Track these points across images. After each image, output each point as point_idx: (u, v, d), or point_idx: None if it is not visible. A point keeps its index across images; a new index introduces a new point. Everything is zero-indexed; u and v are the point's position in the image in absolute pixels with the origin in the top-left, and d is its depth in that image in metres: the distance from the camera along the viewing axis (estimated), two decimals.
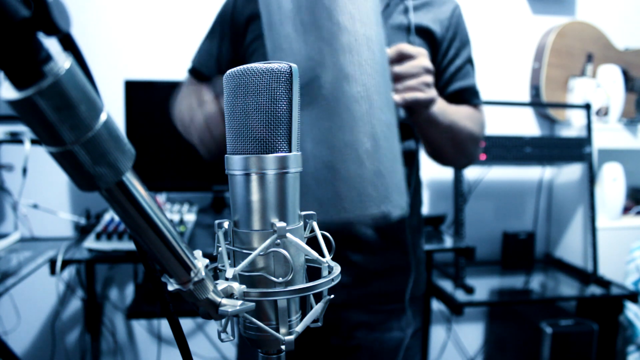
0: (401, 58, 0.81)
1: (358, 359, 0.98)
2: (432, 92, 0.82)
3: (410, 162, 0.96)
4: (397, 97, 0.79)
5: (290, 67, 0.38)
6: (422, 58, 0.81)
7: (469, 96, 1.01)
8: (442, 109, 0.88)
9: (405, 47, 0.81)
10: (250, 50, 0.95)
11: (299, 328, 0.41)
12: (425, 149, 1.01)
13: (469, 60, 1.01)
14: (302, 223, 0.41)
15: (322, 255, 0.41)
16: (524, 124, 2.24)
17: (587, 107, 1.96)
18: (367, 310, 0.97)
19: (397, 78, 0.80)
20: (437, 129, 0.90)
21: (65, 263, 1.38)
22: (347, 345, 0.98)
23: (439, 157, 1.02)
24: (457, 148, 0.97)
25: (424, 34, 0.94)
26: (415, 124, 0.90)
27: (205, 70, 1.02)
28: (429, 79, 0.81)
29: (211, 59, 1.01)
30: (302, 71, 0.70)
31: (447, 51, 0.98)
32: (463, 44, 1.00)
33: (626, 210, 2.16)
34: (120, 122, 1.72)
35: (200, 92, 0.95)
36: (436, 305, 2.11)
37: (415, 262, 0.98)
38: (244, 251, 0.39)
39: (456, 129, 0.92)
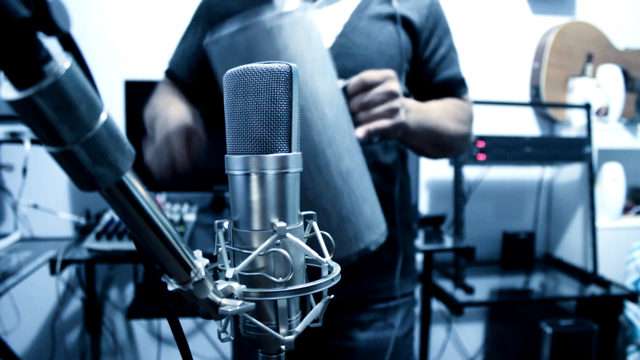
0: (365, 87, 0.77)
1: (351, 359, 0.98)
2: (399, 118, 0.78)
3: (390, 176, 0.96)
4: (360, 132, 0.76)
5: (290, 67, 0.38)
6: (388, 82, 0.77)
7: (455, 86, 0.99)
8: (422, 117, 0.86)
9: (369, 76, 0.77)
10: None
11: (299, 328, 0.41)
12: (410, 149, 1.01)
13: (452, 48, 1.00)
14: (302, 223, 0.41)
15: (322, 255, 0.41)
16: (524, 124, 2.24)
17: (587, 107, 1.96)
18: (359, 309, 0.97)
19: (362, 108, 0.77)
20: (418, 138, 0.87)
21: (65, 263, 1.38)
22: (340, 345, 0.98)
23: (423, 155, 1.01)
24: (441, 149, 0.96)
25: (403, 24, 0.93)
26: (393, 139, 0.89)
27: (178, 71, 1.01)
28: (396, 104, 0.77)
29: (183, 61, 1.01)
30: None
31: (429, 40, 0.96)
32: (445, 32, 0.98)
33: (626, 210, 2.16)
34: (120, 122, 1.72)
35: (169, 103, 0.94)
36: (436, 305, 2.11)
37: (402, 254, 0.98)
38: (244, 251, 0.39)
39: (438, 132, 0.90)
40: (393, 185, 0.96)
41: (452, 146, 0.97)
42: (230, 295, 0.37)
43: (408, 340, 1.02)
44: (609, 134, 2.02)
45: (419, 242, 1.76)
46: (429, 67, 0.97)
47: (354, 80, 0.78)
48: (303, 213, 0.42)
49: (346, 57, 0.88)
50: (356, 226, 0.76)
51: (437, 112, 0.91)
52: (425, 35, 0.95)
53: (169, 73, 1.03)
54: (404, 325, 1.01)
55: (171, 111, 0.90)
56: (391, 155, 0.96)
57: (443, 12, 0.99)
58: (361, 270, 0.96)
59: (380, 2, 0.92)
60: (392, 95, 0.77)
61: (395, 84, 0.78)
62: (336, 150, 0.73)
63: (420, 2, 0.95)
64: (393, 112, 0.77)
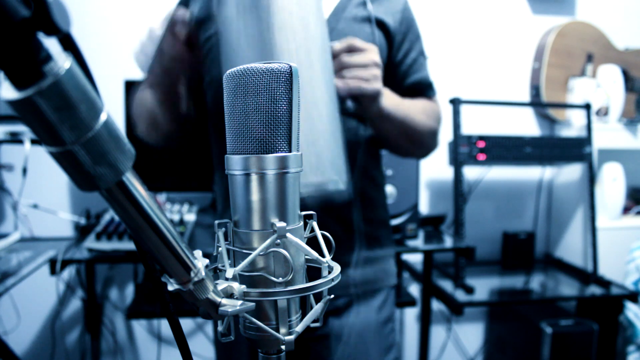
0: (351, 50, 0.82)
1: (326, 345, 0.98)
2: (378, 85, 0.82)
3: (367, 176, 0.98)
4: (340, 83, 0.80)
5: (290, 67, 0.38)
6: (372, 52, 0.82)
7: (425, 89, 1.04)
8: (395, 103, 0.90)
9: (356, 41, 0.82)
10: (204, 51, 0.95)
11: (299, 328, 0.41)
12: (381, 142, 1.03)
13: (422, 53, 1.04)
14: (302, 223, 0.41)
15: (322, 255, 0.41)
16: (524, 124, 2.24)
17: (587, 107, 1.96)
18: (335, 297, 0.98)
19: (345, 67, 0.81)
20: (390, 123, 0.91)
21: (65, 263, 1.38)
22: (314, 333, 0.98)
23: (395, 149, 1.04)
24: (411, 141, 0.99)
25: (379, 27, 0.96)
26: (366, 117, 0.91)
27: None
28: (377, 72, 0.82)
29: None
30: (244, 49, 0.73)
31: (402, 44, 1.00)
32: (416, 37, 1.03)
33: (626, 210, 2.16)
34: (120, 122, 1.72)
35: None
36: (436, 305, 2.11)
37: (359, 244, 0.99)
38: (244, 251, 0.39)
39: (409, 122, 0.94)
40: (370, 184, 0.99)
41: (422, 140, 1.00)
42: (230, 295, 0.37)
43: (387, 328, 1.03)
44: (609, 134, 2.02)
45: (419, 242, 1.76)
46: (400, 70, 1.01)
47: (341, 42, 0.82)
48: (303, 213, 0.42)
49: None
50: (321, 153, 0.74)
51: (408, 103, 0.96)
52: (399, 39, 0.99)
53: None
54: (382, 312, 1.01)
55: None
56: (364, 156, 0.98)
57: (414, 17, 1.03)
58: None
59: (357, 5, 0.95)
60: (375, 64, 0.82)
61: (377, 56, 0.83)
62: (317, 76, 0.74)
63: (394, 7, 0.99)
64: (374, 78, 0.82)
